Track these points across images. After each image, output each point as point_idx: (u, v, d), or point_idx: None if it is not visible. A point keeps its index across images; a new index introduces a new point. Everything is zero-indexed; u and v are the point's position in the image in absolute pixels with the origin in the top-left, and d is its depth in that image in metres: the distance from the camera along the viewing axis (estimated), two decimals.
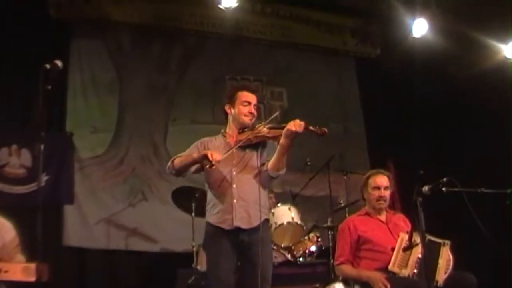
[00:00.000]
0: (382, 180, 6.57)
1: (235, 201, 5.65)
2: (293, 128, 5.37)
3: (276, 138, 5.60)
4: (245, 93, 5.85)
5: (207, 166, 5.53)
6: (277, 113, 5.83)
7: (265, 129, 5.66)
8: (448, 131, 11.22)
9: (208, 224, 5.81)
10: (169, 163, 5.89)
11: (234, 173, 5.70)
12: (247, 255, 5.65)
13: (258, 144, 5.74)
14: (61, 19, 10.16)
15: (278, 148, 5.52)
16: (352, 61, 12.31)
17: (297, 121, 5.42)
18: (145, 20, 10.74)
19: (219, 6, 10.05)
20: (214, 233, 5.73)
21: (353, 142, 11.78)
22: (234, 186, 5.68)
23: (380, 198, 6.49)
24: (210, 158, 5.43)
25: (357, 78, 12.25)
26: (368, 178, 6.63)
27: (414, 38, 10.71)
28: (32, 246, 7.40)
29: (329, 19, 11.80)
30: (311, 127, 5.49)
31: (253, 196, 5.67)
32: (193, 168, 5.82)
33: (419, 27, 10.58)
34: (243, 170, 5.73)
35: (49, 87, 4.71)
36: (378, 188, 6.52)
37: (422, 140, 11.24)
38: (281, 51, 11.72)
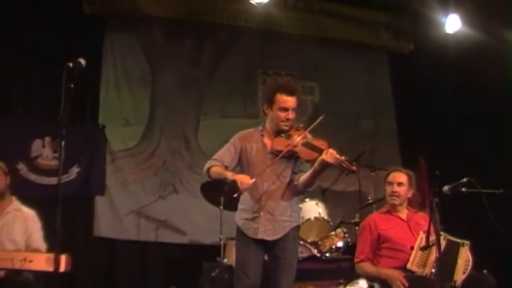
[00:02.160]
0: (396, 176, 6.56)
1: (262, 213, 5.72)
2: (329, 161, 5.38)
3: (308, 161, 5.65)
4: (284, 97, 5.74)
5: (235, 194, 5.60)
6: (318, 120, 5.77)
7: (300, 145, 5.65)
8: (479, 130, 11.11)
9: (237, 223, 5.91)
10: (206, 169, 5.89)
11: (266, 184, 5.74)
12: (273, 250, 5.73)
13: (292, 155, 5.76)
14: (94, 14, 10.23)
15: (311, 170, 5.57)
16: (384, 56, 12.25)
17: (333, 153, 5.41)
18: (177, 14, 10.81)
19: (251, 1, 10.09)
20: (242, 234, 5.83)
21: (384, 138, 11.75)
22: (264, 198, 5.73)
23: (393, 193, 6.49)
24: (239, 186, 5.49)
25: (389, 74, 12.18)
26: (387, 175, 6.65)
27: (447, 34, 10.66)
28: (65, 236, 7.57)
29: (361, 14, 11.73)
30: (344, 163, 5.43)
31: (281, 210, 5.74)
32: (230, 168, 5.85)
33: (452, 23, 10.51)
34: (275, 182, 5.76)
35: (72, 86, 4.77)
36: (391, 183, 6.52)
37: (451, 139, 11.20)
38: (313, 46, 11.67)
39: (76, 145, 9.71)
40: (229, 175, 5.66)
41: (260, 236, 5.68)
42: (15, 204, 6.93)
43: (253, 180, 5.57)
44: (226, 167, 5.82)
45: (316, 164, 5.49)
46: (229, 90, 11.08)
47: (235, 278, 5.82)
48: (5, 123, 9.73)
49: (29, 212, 6.91)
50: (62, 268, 5.58)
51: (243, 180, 5.54)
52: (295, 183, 5.74)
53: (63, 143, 4.85)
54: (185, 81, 10.88)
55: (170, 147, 10.61)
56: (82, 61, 4.90)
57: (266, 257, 5.86)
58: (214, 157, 5.93)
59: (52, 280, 6.29)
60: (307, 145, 5.65)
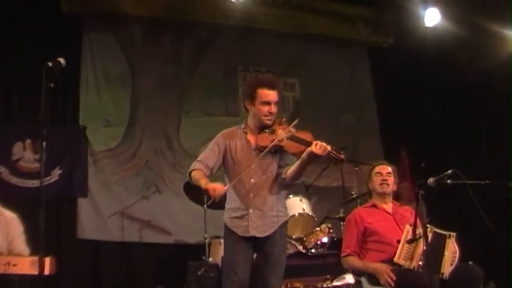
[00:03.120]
0: (384, 167, 6.59)
1: (251, 210, 5.69)
2: (318, 152, 5.39)
3: (296, 154, 5.63)
4: (265, 92, 5.73)
5: (209, 202, 5.58)
6: (296, 120, 5.76)
7: (285, 138, 5.63)
8: (459, 121, 11.15)
9: (225, 223, 5.87)
10: (188, 173, 5.86)
11: (252, 180, 5.71)
12: (262, 247, 5.70)
13: (277, 150, 5.75)
14: (72, 13, 10.19)
15: (299, 162, 5.56)
16: (364, 50, 12.26)
17: (322, 144, 5.43)
18: (156, 13, 10.76)
19: None
20: (230, 232, 5.79)
21: (366, 132, 11.75)
22: (251, 195, 5.71)
23: (383, 181, 6.49)
24: (211, 194, 5.44)
25: (370, 68, 12.19)
26: (371, 169, 6.66)
27: (426, 27, 10.68)
28: (49, 239, 7.52)
29: (340, 8, 11.70)
30: (332, 153, 5.49)
31: (269, 205, 5.72)
32: (215, 168, 5.84)
33: (432, 16, 10.53)
34: (261, 178, 5.73)
35: (52, 85, 4.73)
36: (380, 173, 6.53)
37: (432, 131, 11.23)
38: (293, 42, 11.67)
39: (57, 146, 9.66)
40: (203, 183, 5.60)
41: (252, 233, 5.65)
42: None
43: (226, 187, 5.55)
44: (212, 168, 5.81)
45: (304, 156, 5.48)
46: (210, 88, 11.04)
47: (224, 277, 5.79)
48: None
49: (10, 216, 6.84)
50: (46, 271, 5.54)
51: (216, 188, 5.48)
52: (283, 176, 5.73)
53: (44, 144, 4.79)
54: (165, 80, 10.84)
55: (152, 146, 10.57)
56: (62, 60, 4.86)
57: (254, 255, 5.85)
58: (198, 158, 5.90)
59: (37, 283, 6.25)
60: (292, 138, 5.64)
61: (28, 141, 9.84)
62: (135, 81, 10.71)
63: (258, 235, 5.66)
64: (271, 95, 5.74)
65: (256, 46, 11.42)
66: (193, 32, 11.24)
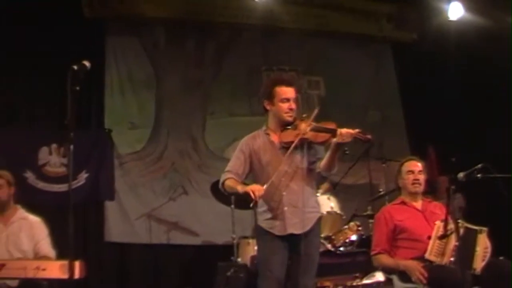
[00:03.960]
0: (415, 164, 6.53)
1: (285, 208, 5.65)
2: (344, 139, 5.38)
3: (322, 143, 5.61)
4: (283, 89, 5.75)
5: (251, 205, 5.55)
6: (316, 111, 5.74)
7: (309, 130, 5.60)
8: (486, 115, 11.04)
9: (259, 226, 5.85)
10: (221, 184, 5.86)
11: (283, 179, 5.68)
12: (297, 246, 5.65)
13: (304, 144, 5.71)
14: (95, 18, 10.25)
15: (328, 153, 5.53)
16: (388, 47, 12.18)
17: (346, 131, 5.41)
18: (178, 15, 10.81)
19: None
20: (266, 234, 5.76)
21: (392, 129, 11.67)
22: (284, 193, 5.67)
23: (415, 181, 6.43)
24: (252, 197, 5.41)
25: (394, 64, 12.11)
26: (401, 165, 6.59)
27: (450, 21, 10.60)
28: (77, 243, 7.54)
29: (363, 5, 11.66)
30: (359, 136, 5.47)
31: (303, 201, 5.67)
32: (244, 175, 5.83)
33: (455, 10, 10.46)
34: (292, 175, 5.69)
35: (78, 88, 4.72)
36: (412, 172, 6.46)
37: (459, 125, 11.13)
38: (316, 39, 11.62)
39: (83, 150, 9.70)
40: (240, 188, 5.61)
41: (289, 230, 5.62)
42: (20, 213, 6.91)
43: (265, 186, 5.49)
44: (242, 175, 5.80)
45: (332, 145, 5.45)
46: (234, 89, 11.05)
47: (260, 278, 5.74)
48: (11, 132, 9.75)
49: (34, 220, 6.89)
50: (76, 275, 5.55)
51: (255, 189, 5.46)
52: (317, 170, 5.69)
53: (71, 147, 4.78)
54: (189, 82, 10.87)
55: (177, 148, 10.59)
56: (87, 63, 4.85)
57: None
58: (227, 168, 5.88)
59: (66, 287, 6.27)
60: (316, 129, 5.59)
61: (54, 145, 9.89)
62: (160, 83, 10.75)
63: (296, 232, 5.61)
64: (289, 91, 5.75)
65: (279, 45, 11.38)
66: (216, 33, 11.25)
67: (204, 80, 10.98)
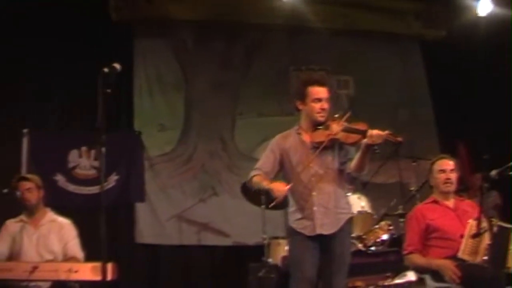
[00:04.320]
0: (447, 163, 6.48)
1: (315, 208, 5.65)
2: (375, 141, 5.37)
3: (353, 144, 5.61)
4: (316, 89, 5.74)
5: (272, 204, 5.57)
6: (348, 114, 5.73)
7: (340, 131, 5.60)
8: None
9: (290, 226, 5.85)
10: (248, 179, 5.89)
11: (314, 179, 5.68)
12: (328, 246, 5.65)
13: (335, 145, 5.71)
14: (122, 22, 10.31)
15: (359, 154, 5.53)
16: (416, 44, 12.07)
17: (377, 132, 5.41)
18: (206, 16, 10.81)
19: None
20: (296, 234, 5.76)
21: (422, 127, 11.58)
22: (314, 193, 5.67)
23: (447, 180, 6.38)
24: (276, 195, 5.46)
25: (423, 62, 12.01)
26: (433, 163, 6.55)
27: (479, 17, 10.52)
28: (107, 245, 7.57)
29: (391, 3, 11.56)
30: (389, 137, 5.46)
31: (333, 201, 5.69)
32: (273, 174, 5.83)
33: (484, 6, 10.38)
34: (322, 175, 5.69)
35: (109, 90, 4.75)
36: (444, 171, 6.42)
37: (490, 122, 11.03)
38: (345, 38, 11.54)
39: (114, 152, 9.65)
40: (265, 184, 5.64)
41: (318, 231, 5.62)
42: (50, 215, 7.04)
43: (288, 186, 5.53)
44: (270, 174, 5.81)
45: (363, 146, 5.45)
46: (263, 89, 11.01)
47: (291, 279, 5.75)
48: (41, 135, 9.80)
49: (64, 221, 7.01)
50: (109, 277, 5.59)
51: (278, 188, 5.51)
52: (348, 171, 5.69)
53: (103, 149, 4.82)
54: (218, 83, 10.88)
55: (207, 149, 10.62)
56: (117, 65, 4.89)
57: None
58: (256, 166, 5.91)
59: None
60: (347, 129, 5.59)
61: (83, 148, 9.96)
62: (188, 85, 10.79)
63: (324, 232, 5.62)
64: (321, 91, 5.74)
65: (307, 44, 11.31)
66: (244, 33, 11.25)
67: (233, 81, 11.00)
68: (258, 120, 10.85)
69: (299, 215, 5.74)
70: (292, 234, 5.84)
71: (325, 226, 5.63)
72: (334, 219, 5.66)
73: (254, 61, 11.16)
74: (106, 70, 4.83)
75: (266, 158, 5.90)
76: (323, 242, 5.65)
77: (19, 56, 9.77)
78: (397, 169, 9.04)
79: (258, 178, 5.77)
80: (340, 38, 11.52)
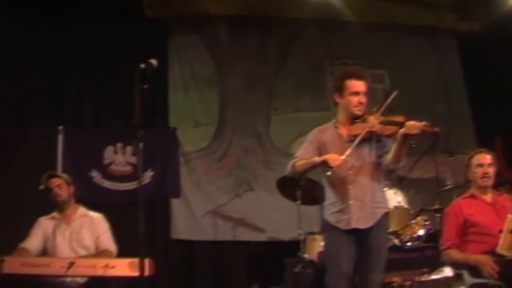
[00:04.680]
0: (485, 157, 6.41)
1: (351, 202, 5.64)
2: (412, 131, 5.35)
3: (390, 136, 5.59)
4: (354, 82, 5.74)
5: (328, 172, 5.55)
6: (388, 101, 5.72)
7: (377, 123, 5.60)
8: None
9: (326, 220, 5.84)
10: (290, 167, 5.89)
11: (350, 172, 5.68)
12: (364, 241, 5.64)
13: (372, 138, 5.70)
14: (156, 18, 10.37)
15: (395, 145, 5.50)
16: (452, 38, 11.96)
17: (414, 123, 5.39)
18: (240, 11, 10.83)
19: None
20: (333, 229, 5.75)
21: (458, 122, 11.47)
22: (350, 187, 5.66)
23: (485, 175, 6.32)
24: (331, 164, 5.46)
25: (458, 55, 11.91)
26: (470, 158, 6.49)
27: None
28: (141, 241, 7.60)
29: None
30: (426, 128, 5.42)
31: (369, 195, 5.67)
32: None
33: None
34: (360, 169, 5.69)
35: (145, 86, 4.77)
36: (481, 165, 6.36)
37: None
38: (379, 32, 11.46)
39: (149, 149, 9.65)
40: (316, 159, 5.67)
41: (354, 225, 5.60)
42: (81, 211, 7.12)
43: (343, 157, 5.52)
44: None
45: (399, 137, 5.42)
46: (298, 84, 10.99)
47: (327, 274, 5.75)
48: (76, 132, 9.89)
49: (95, 215, 7.08)
50: (147, 273, 5.63)
51: (332, 157, 5.52)
52: (385, 163, 5.66)
53: (141, 145, 4.85)
54: (253, 78, 10.88)
55: (242, 145, 10.64)
56: (154, 61, 4.92)
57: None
58: (295, 156, 5.91)
59: (132, 284, 6.33)
60: (385, 122, 5.60)
61: (119, 144, 10.03)
62: (223, 81, 10.82)
63: (359, 227, 5.60)
64: (359, 85, 5.74)
65: (341, 39, 11.26)
66: (278, 28, 11.21)
67: (267, 76, 10.98)
68: (293, 115, 10.82)
69: (335, 209, 5.74)
70: (328, 229, 5.84)
71: (361, 220, 5.61)
72: (370, 213, 5.65)
73: (288, 56, 11.13)
74: (142, 66, 4.86)
75: (304, 150, 5.91)
76: (359, 237, 5.63)
77: (55, 55, 9.86)
78: (433, 163, 8.93)
79: (302, 161, 5.79)
80: (374, 32, 11.44)
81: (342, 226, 5.66)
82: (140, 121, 4.86)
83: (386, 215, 5.84)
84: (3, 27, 9.46)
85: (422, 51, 11.74)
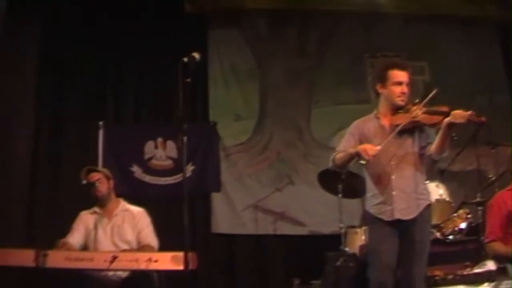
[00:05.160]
0: None
1: (394, 192, 5.63)
2: (458, 120, 5.32)
3: (434, 125, 5.56)
4: (396, 72, 5.74)
5: (362, 162, 5.55)
6: (431, 94, 5.69)
7: (420, 113, 5.58)
8: None
9: (369, 212, 5.84)
10: (331, 161, 5.93)
11: (393, 162, 5.67)
12: (407, 233, 5.63)
13: (415, 128, 5.68)
14: (196, 13, 10.41)
15: (440, 134, 5.48)
16: (492, 28, 11.80)
17: (460, 112, 5.35)
18: (279, 5, 10.81)
19: None
20: (375, 221, 5.75)
21: (499, 114, 11.32)
22: (393, 177, 5.66)
23: None
24: (365, 155, 5.47)
25: (500, 46, 11.79)
26: None
27: None
28: (181, 235, 7.66)
29: None
30: (472, 117, 5.38)
31: (412, 186, 5.66)
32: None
33: None
34: (402, 159, 5.69)
35: (188, 80, 4.81)
36: None
37: None
38: (419, 24, 11.35)
39: (190, 143, 9.74)
40: (351, 150, 5.69)
41: (396, 216, 5.60)
42: (123, 205, 7.17)
43: (378, 147, 5.52)
44: None
45: (444, 126, 5.40)
46: (338, 77, 10.92)
47: (370, 267, 5.76)
48: (117, 127, 9.96)
49: (137, 210, 7.12)
50: (192, 266, 5.67)
51: (367, 148, 5.52)
52: (428, 153, 5.64)
53: (185, 138, 4.90)
54: (293, 72, 10.84)
55: (283, 138, 10.61)
56: (196, 55, 4.98)
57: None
58: (336, 149, 5.95)
59: (173, 278, 6.38)
60: (429, 112, 5.58)
61: (159, 139, 10.09)
62: (263, 75, 10.81)
63: (403, 218, 5.59)
64: (402, 75, 5.75)
65: (381, 31, 11.18)
66: (317, 21, 11.16)
67: (307, 70, 10.94)
68: (334, 108, 10.76)
69: (377, 200, 5.74)
70: (370, 221, 5.86)
71: (404, 211, 5.61)
72: (414, 204, 5.64)
73: (328, 49, 11.07)
74: (185, 59, 4.89)
75: (346, 142, 5.93)
76: (403, 229, 5.62)
77: (94, 50, 9.94)
78: (474, 156, 8.86)
79: (341, 153, 5.82)
80: (414, 23, 11.35)
81: (385, 217, 5.65)
82: (184, 114, 4.91)
83: (429, 207, 5.81)
84: (45, 23, 9.56)
85: (463, 42, 11.58)
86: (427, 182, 8.18)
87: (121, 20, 10.01)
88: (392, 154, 5.66)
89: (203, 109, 10.48)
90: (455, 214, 8.24)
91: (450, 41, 11.45)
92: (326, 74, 10.96)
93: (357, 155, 5.60)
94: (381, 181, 5.71)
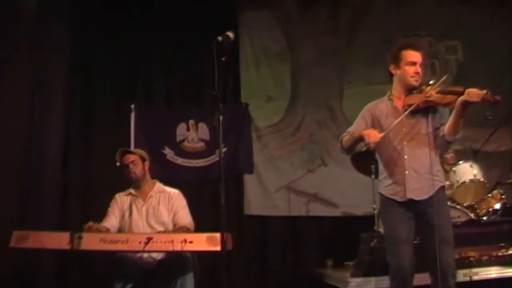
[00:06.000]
0: None
1: (407, 172, 5.59)
2: (472, 99, 5.21)
3: (448, 104, 5.50)
4: (410, 52, 5.75)
5: (363, 148, 5.53)
6: (445, 77, 5.67)
7: (434, 93, 5.53)
8: None
9: (382, 194, 5.81)
10: (339, 143, 6.00)
11: (405, 142, 5.64)
12: (423, 218, 5.57)
13: (428, 108, 5.62)
14: None
15: (453, 113, 5.41)
16: None
17: (474, 90, 5.24)
18: None
19: None
20: (388, 203, 5.71)
21: None
22: (406, 157, 5.62)
23: None
24: (367, 140, 5.46)
25: None
26: None
27: None
28: (214, 217, 7.69)
29: None
30: (486, 96, 5.22)
31: (426, 166, 5.58)
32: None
33: None
34: (414, 139, 5.64)
35: (223, 59, 4.81)
36: None
37: None
38: (452, 3, 11.20)
39: (222, 125, 9.78)
40: (357, 134, 5.70)
41: (409, 195, 5.56)
42: (158, 186, 7.20)
43: (382, 134, 5.51)
44: None
45: (458, 105, 5.32)
46: (370, 56, 10.71)
47: (387, 254, 5.71)
48: (149, 110, 9.99)
49: (172, 191, 7.14)
50: (229, 247, 5.69)
51: (370, 133, 5.52)
52: (441, 134, 5.57)
53: (221, 118, 4.91)
54: (324, 52, 10.75)
55: (315, 119, 10.55)
56: (231, 34, 4.99)
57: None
58: (346, 131, 5.98)
59: (206, 259, 6.40)
60: (443, 91, 5.56)
61: (191, 121, 10.08)
62: (294, 55, 10.72)
63: (415, 197, 5.55)
64: (415, 55, 5.75)
65: (414, 10, 11.05)
66: (349, 1, 11.08)
67: (339, 49, 10.84)
68: (366, 88, 10.62)
69: (389, 181, 5.73)
70: (384, 205, 5.83)
71: (417, 191, 5.58)
72: (427, 184, 5.58)
73: (360, 28, 10.95)
74: (220, 38, 4.89)
75: (356, 125, 5.97)
76: (418, 212, 5.58)
77: (125, 34, 9.95)
78: (508, 136, 8.80)
79: (348, 136, 5.86)
80: (447, 2, 11.22)
81: (398, 198, 5.63)
82: (219, 93, 4.92)
83: (443, 189, 5.76)
84: (76, 10, 9.59)
85: (494, 21, 11.41)
86: (460, 162, 8.20)
87: (152, 3, 10.01)
88: (404, 134, 5.65)
89: (234, 91, 10.46)
90: (489, 195, 8.22)
91: (482, 20, 11.28)
92: (358, 54, 10.85)
93: (361, 140, 5.61)
94: (394, 162, 5.69)
